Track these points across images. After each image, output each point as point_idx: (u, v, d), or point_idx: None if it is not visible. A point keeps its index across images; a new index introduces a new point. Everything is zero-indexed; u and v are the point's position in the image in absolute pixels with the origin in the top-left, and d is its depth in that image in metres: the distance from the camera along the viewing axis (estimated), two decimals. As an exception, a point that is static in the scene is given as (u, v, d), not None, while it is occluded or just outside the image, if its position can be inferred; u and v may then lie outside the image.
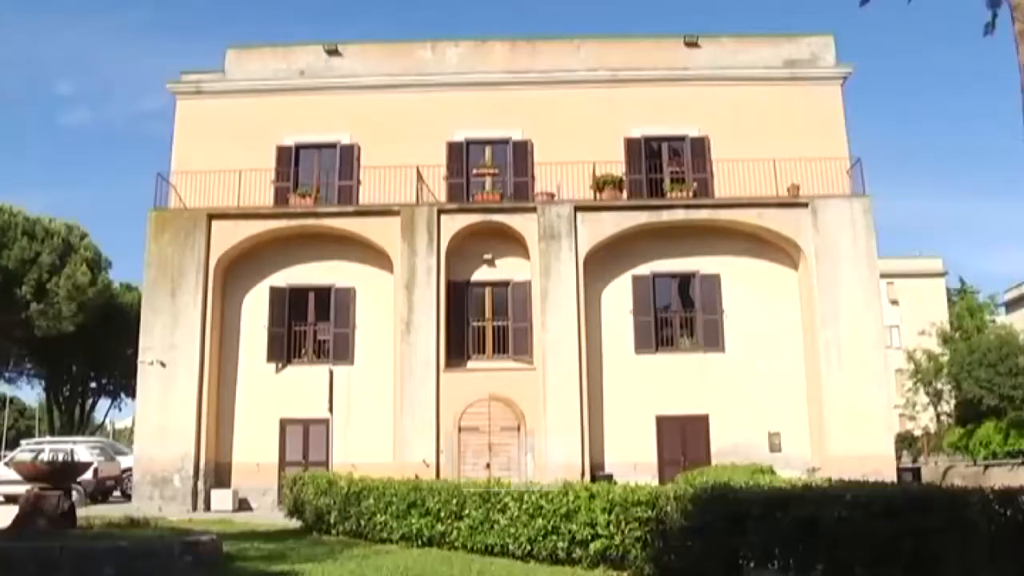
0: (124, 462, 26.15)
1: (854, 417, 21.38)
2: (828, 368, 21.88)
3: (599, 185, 23.54)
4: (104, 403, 49.58)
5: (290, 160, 24.69)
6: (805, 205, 22.87)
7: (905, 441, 36.88)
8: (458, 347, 22.93)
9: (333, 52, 25.50)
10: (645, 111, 24.51)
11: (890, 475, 20.25)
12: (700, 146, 24.37)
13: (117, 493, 25.87)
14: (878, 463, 20.25)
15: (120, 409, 48.85)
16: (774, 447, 22.46)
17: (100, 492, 24.29)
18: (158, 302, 22.84)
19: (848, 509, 7.78)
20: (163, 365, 22.37)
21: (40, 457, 22.66)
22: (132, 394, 38.11)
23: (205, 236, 23.16)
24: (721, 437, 22.52)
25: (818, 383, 22.06)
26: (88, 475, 21.24)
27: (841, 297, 22.21)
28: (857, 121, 77.86)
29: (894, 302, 49.62)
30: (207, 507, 21.88)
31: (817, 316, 22.25)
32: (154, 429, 22.13)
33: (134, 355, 23.27)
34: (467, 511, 12.38)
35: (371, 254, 23.62)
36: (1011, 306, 54.48)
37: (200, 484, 22.11)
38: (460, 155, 24.49)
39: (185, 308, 22.75)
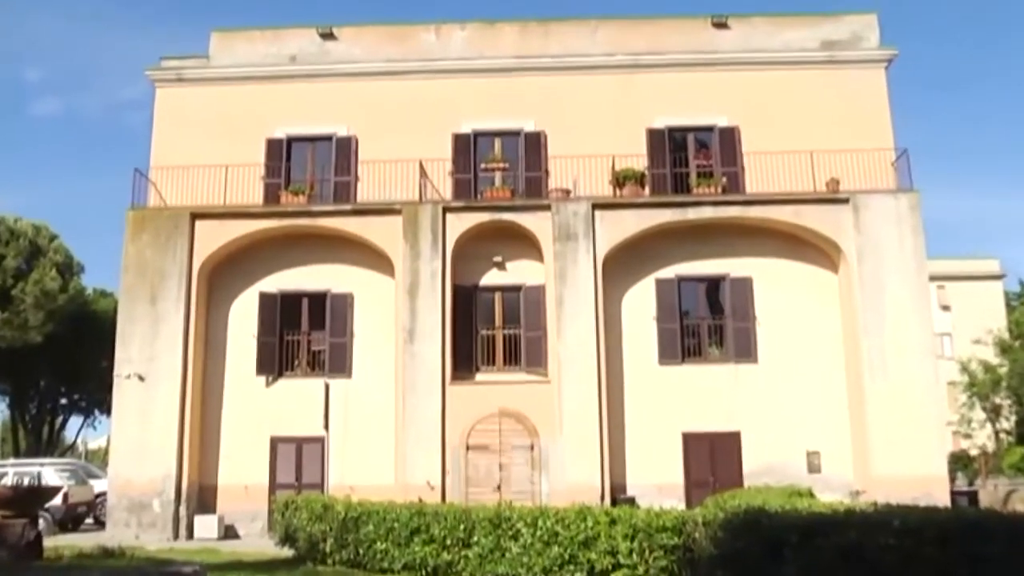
0: (98, 486, 26.18)
1: (902, 434, 21.32)
2: (872, 380, 21.85)
3: (619, 180, 23.58)
4: (76, 421, 49.89)
5: (281, 154, 24.82)
6: (846, 201, 22.85)
7: (960, 461, 36.72)
8: (465, 358, 22.98)
9: (328, 36, 25.62)
10: (669, 99, 24.56)
11: (943, 499, 20.16)
12: (730, 137, 24.38)
13: (90, 520, 25.91)
14: (929, 485, 20.26)
15: (94, 428, 49.07)
16: (813, 467, 22.46)
17: (71, 519, 24.26)
18: (136, 310, 22.92)
19: (896, 536, 7.76)
20: (141, 379, 22.46)
21: (3, 481, 22.68)
22: (107, 411, 38.35)
23: (188, 237, 23.26)
24: (754, 456, 22.50)
25: (861, 397, 22.01)
26: (57, 500, 21.20)
27: (886, 302, 22.18)
28: (902, 109, 77.67)
29: (945, 308, 49.44)
30: (190, 535, 21.93)
31: (860, 323, 22.22)
32: (131, 449, 22.16)
33: (109, 368, 23.31)
34: (476, 538, 12.43)
35: (370, 256, 23.68)
36: (1076, 312, 54.12)
37: (182, 509, 22.13)
38: (467, 148, 24.58)
39: (166, 316, 22.83)
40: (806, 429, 22.63)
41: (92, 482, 26.80)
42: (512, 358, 23.31)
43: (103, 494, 24.46)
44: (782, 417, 22.66)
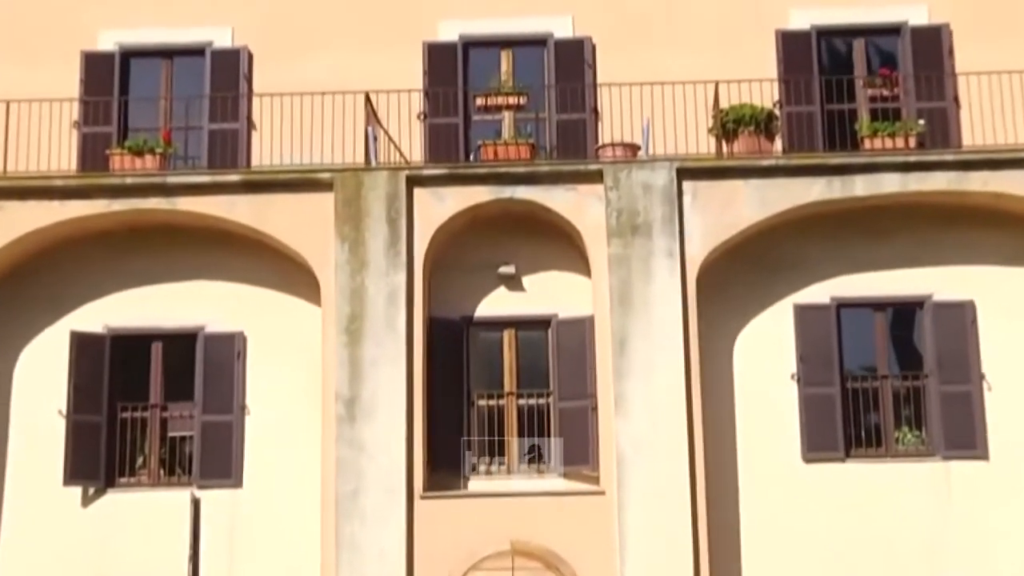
0: None
1: None
2: None
3: (727, 127, 22.83)
4: None
5: (111, 81, 24.42)
6: None
7: None
8: (450, 449, 21.97)
9: None
10: (817, -22, 24.42)
11: None
12: (930, 45, 23.87)
13: None
14: None
15: None
16: (1096, 651, 21.66)
17: None
18: None
19: None
20: None
21: None
22: None
23: (-60, 232, 22.61)
24: (988, 630, 21.75)
25: None
26: None
27: None
28: None
29: None
30: None
31: None
32: None
33: None
34: None
35: (277, 266, 22.80)
36: None
37: None
38: (451, 69, 24.31)
39: None
40: (1083, 581, 21.66)
41: None
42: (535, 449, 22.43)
43: None
44: (1037, 558, 21.76)
